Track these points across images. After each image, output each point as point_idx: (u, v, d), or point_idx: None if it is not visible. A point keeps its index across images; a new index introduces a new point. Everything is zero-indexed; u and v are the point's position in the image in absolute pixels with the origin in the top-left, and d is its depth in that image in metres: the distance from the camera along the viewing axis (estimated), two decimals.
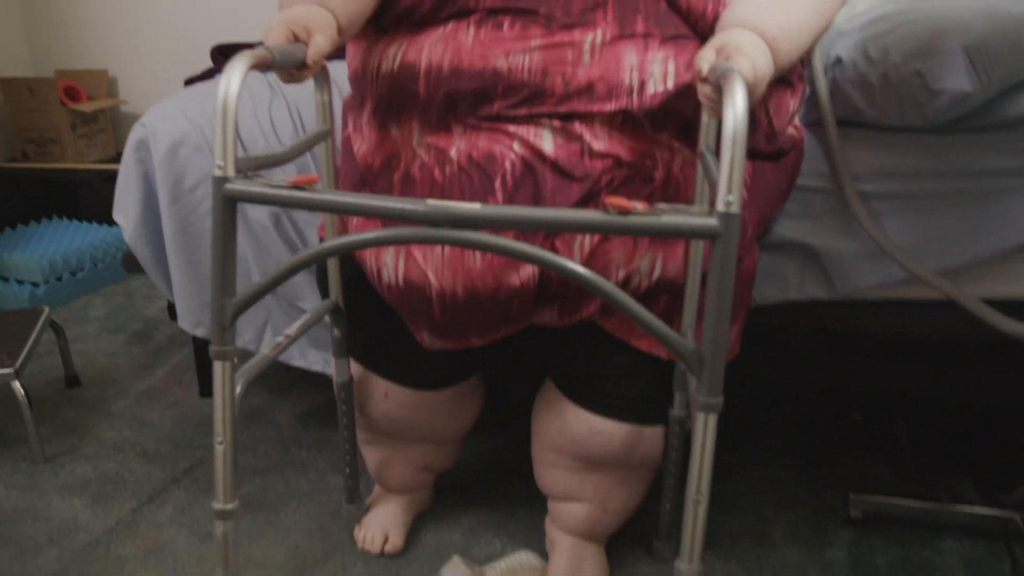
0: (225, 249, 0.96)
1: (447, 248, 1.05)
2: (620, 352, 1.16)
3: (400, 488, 1.46)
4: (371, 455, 1.43)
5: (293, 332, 1.19)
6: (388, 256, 1.10)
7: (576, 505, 1.32)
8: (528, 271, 1.05)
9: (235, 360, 1.01)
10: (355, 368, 1.32)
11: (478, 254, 1.04)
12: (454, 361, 1.25)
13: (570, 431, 1.24)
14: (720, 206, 0.83)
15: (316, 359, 1.70)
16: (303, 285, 1.61)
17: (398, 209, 0.88)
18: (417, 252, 1.08)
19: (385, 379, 1.27)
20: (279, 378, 2.06)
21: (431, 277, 1.07)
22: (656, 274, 1.08)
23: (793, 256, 1.39)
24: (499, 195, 1.02)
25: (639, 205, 0.85)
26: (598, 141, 1.02)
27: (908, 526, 1.51)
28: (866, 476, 1.65)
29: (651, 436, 1.21)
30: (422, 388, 1.28)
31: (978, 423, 1.75)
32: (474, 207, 0.86)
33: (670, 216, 0.85)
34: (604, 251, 1.06)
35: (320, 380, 1.95)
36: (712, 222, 0.84)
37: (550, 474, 1.31)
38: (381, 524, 1.45)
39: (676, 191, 1.06)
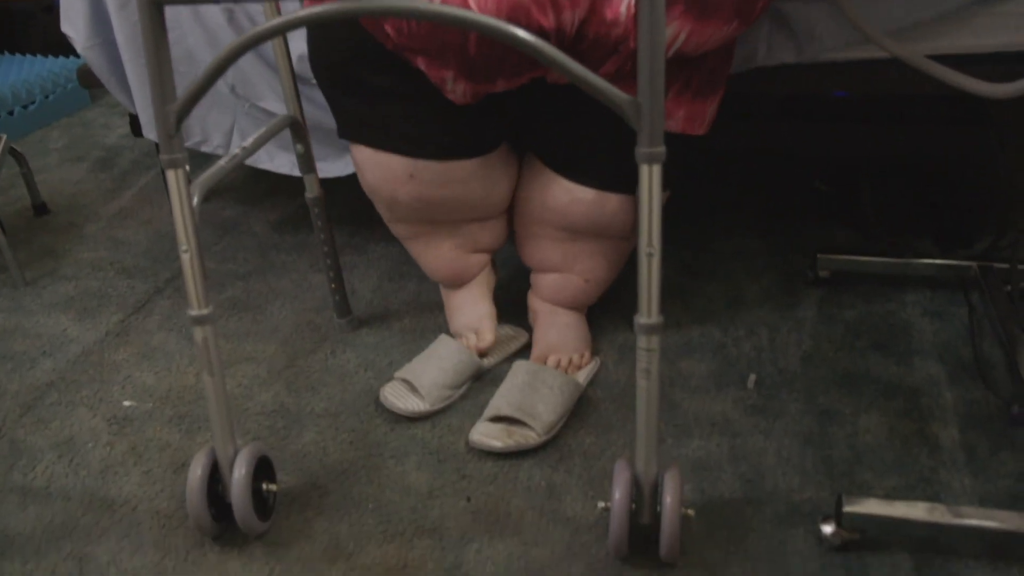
0: (158, 56, 0.94)
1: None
2: (603, 117, 1.15)
3: (459, 277, 1.39)
4: (418, 250, 1.37)
5: (249, 144, 1.16)
6: None
7: (559, 276, 1.34)
8: (569, 15, 1.01)
9: (187, 167, 0.99)
10: (373, 156, 1.23)
11: None
12: (472, 127, 1.20)
13: (551, 200, 1.24)
14: None
15: (284, 162, 1.67)
16: (263, 86, 1.56)
17: None
18: None
19: (407, 157, 1.20)
20: (251, 190, 2.04)
21: (472, 6, 1.01)
22: (677, 45, 1.05)
23: (761, 20, 1.36)
24: None
25: None
26: None
27: (873, 282, 1.56)
28: (833, 240, 1.69)
29: (616, 203, 1.22)
30: (447, 158, 1.21)
31: (938, 184, 1.79)
32: None
33: None
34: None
35: (292, 189, 1.94)
36: None
37: (534, 245, 1.33)
38: (468, 325, 1.40)
39: None
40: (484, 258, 1.41)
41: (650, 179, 0.89)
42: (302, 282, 1.66)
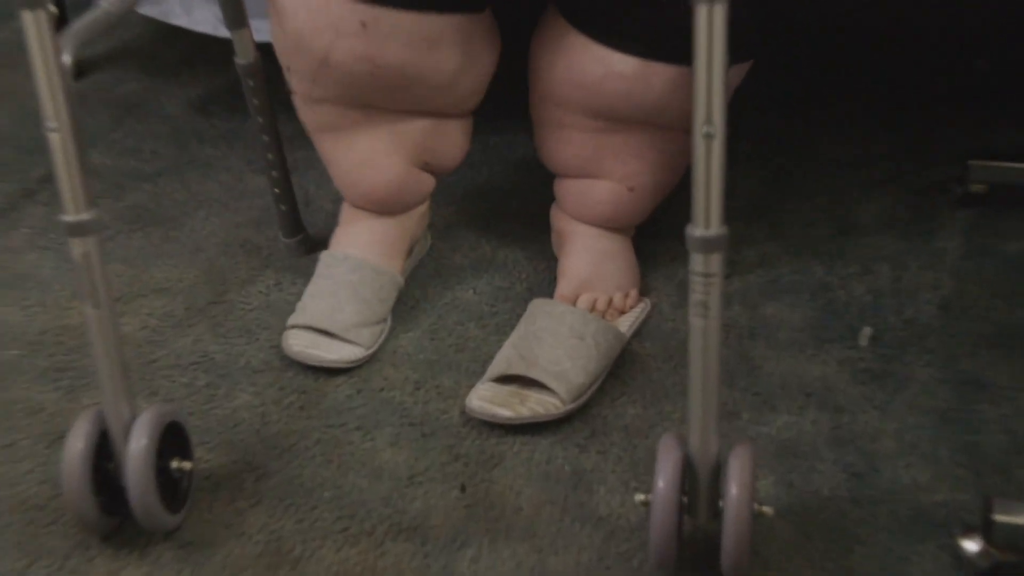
0: None
1: None
2: None
3: (389, 201, 1.39)
4: (335, 146, 1.37)
5: None
6: None
7: (593, 183, 1.34)
8: None
9: (52, 8, 0.97)
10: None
11: None
12: None
13: (579, 74, 1.24)
14: None
15: (205, 17, 1.68)
16: None
17: None
18: None
19: (361, 1, 1.19)
20: (162, 57, 2.04)
21: None
22: None
23: None
24: None
25: None
26: None
27: None
28: (992, 142, 1.68)
29: (669, 77, 1.21)
30: (417, 8, 1.19)
31: None
32: None
33: None
34: None
35: (220, 55, 1.91)
36: None
37: (557, 138, 1.33)
38: None
39: None
40: (428, 184, 1.40)
41: (710, 25, 0.87)
42: (235, 185, 1.67)
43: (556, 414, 1.21)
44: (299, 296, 1.42)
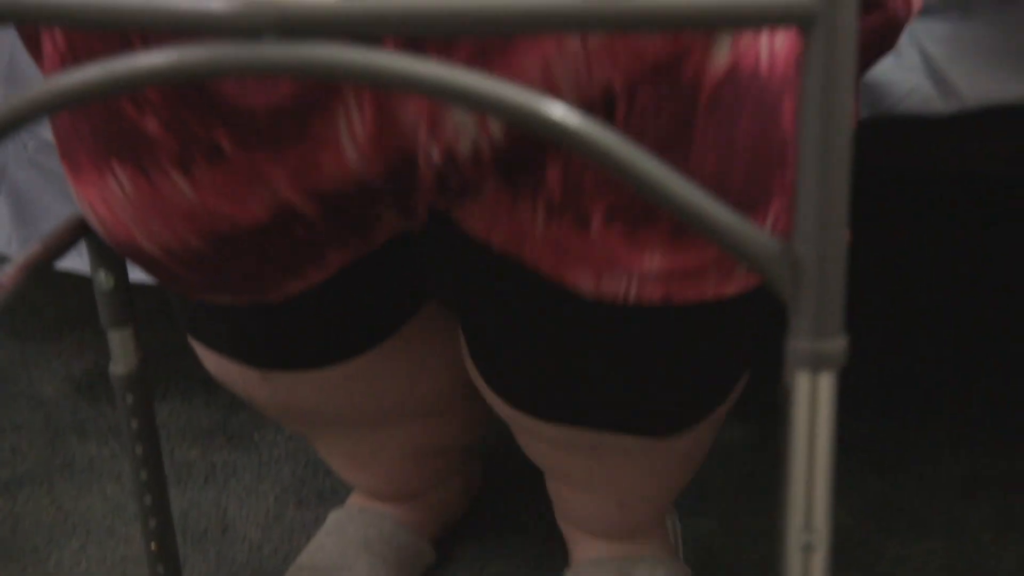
0: None
1: (128, 185, 1.05)
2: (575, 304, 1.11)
3: (389, 493, 1.49)
4: (315, 445, 1.47)
5: (24, 262, 1.19)
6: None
7: (578, 495, 1.37)
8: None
9: None
10: (205, 352, 1.32)
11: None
12: (327, 324, 1.25)
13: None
14: None
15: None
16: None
17: (190, 14, 0.85)
18: (95, 193, 1.08)
19: (245, 366, 1.27)
20: (37, 314, 2.08)
21: (135, 233, 1.08)
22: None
23: None
24: None
25: None
26: None
27: None
28: None
29: (693, 439, 1.25)
30: (299, 368, 1.27)
31: None
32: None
33: None
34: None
35: None
36: None
37: (518, 434, 1.34)
38: None
39: None
40: (448, 463, 1.50)
41: (811, 401, 0.84)
42: (126, 502, 1.64)
43: None
44: None
